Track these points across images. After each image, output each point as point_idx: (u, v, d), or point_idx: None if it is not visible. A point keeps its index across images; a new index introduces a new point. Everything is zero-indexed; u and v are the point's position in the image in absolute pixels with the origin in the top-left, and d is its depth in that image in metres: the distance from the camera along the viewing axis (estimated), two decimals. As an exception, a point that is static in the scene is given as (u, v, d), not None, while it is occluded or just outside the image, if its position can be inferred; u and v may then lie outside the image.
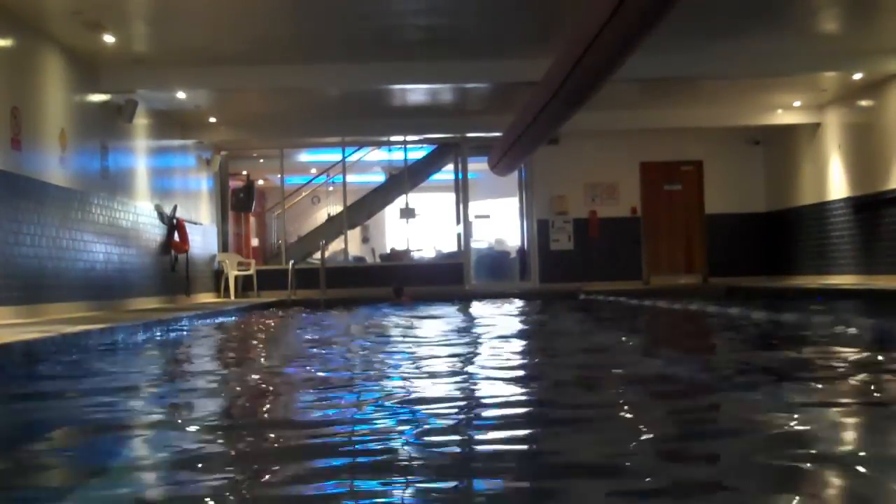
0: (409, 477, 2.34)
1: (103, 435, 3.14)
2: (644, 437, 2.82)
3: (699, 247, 17.52)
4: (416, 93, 14.02)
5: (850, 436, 2.86)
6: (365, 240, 22.78)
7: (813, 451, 2.55)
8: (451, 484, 2.33)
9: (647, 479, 2.29)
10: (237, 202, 18.28)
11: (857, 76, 12.83)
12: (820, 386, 3.82)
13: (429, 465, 2.47)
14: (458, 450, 2.74)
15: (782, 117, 15.58)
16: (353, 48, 11.22)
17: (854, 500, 2.11)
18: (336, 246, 18.42)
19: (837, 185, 14.66)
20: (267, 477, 2.41)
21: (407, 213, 18.07)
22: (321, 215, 21.02)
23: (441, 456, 2.60)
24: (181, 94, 12.97)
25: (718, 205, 17.39)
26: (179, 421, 3.39)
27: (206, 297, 15.77)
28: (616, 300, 12.76)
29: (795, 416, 3.05)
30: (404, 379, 4.33)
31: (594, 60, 8.63)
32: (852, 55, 12.02)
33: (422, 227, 19.16)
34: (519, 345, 6.66)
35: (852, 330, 7.07)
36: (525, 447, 2.82)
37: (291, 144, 18.00)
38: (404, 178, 18.10)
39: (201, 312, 10.20)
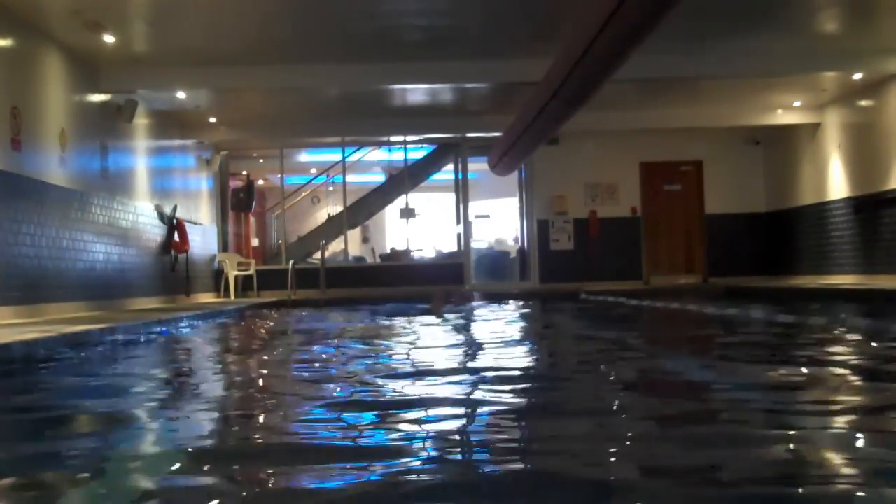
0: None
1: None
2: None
3: (699, 247, 17.52)
4: (416, 93, 14.02)
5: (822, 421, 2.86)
6: (365, 240, 22.78)
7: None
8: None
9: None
10: (237, 202, 18.29)
11: (857, 76, 12.83)
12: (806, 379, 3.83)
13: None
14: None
15: (782, 117, 15.58)
16: (353, 48, 11.22)
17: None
18: (336, 246, 18.42)
19: (837, 185, 14.66)
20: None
21: (407, 213, 18.08)
22: (321, 215, 21.03)
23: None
24: (181, 94, 12.97)
25: (718, 205, 17.39)
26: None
27: (206, 297, 15.77)
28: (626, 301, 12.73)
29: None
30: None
31: (594, 60, 8.63)
32: (852, 55, 12.01)
33: (422, 227, 19.16)
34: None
35: (848, 330, 7.06)
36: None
37: (291, 144, 18.00)
38: (404, 178, 18.10)
39: (201, 313, 10.20)
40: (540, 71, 10.35)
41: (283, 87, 12.70)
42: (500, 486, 2.26)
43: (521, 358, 5.65)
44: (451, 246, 18.99)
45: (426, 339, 6.84)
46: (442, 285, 16.47)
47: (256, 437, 3.07)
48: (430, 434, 2.87)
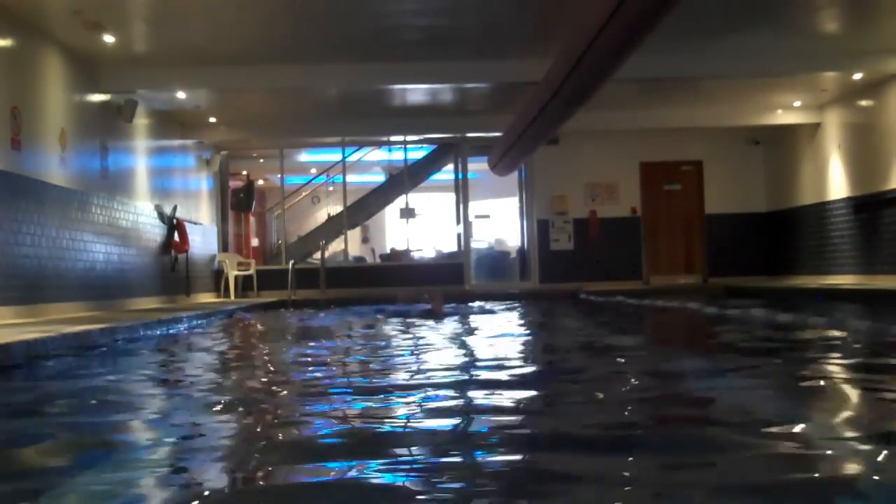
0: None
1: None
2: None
3: (699, 247, 17.52)
4: (416, 93, 14.02)
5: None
6: (365, 240, 22.78)
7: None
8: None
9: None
10: (237, 202, 18.28)
11: (857, 76, 12.82)
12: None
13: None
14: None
15: (782, 117, 15.58)
16: (353, 48, 11.21)
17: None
18: (336, 246, 18.42)
19: (837, 185, 14.65)
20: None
21: (407, 213, 18.07)
22: (321, 215, 21.02)
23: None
24: (181, 94, 12.97)
25: (718, 205, 17.39)
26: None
27: (206, 297, 15.76)
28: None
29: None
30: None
31: (594, 60, 8.63)
32: (852, 55, 12.01)
33: (422, 227, 19.16)
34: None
35: (846, 331, 7.05)
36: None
37: (291, 144, 18.00)
38: (404, 178, 18.10)
39: (201, 312, 10.20)
40: (540, 71, 10.35)
41: (283, 87, 12.69)
42: None
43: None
44: (451, 246, 18.98)
45: (429, 351, 6.25)
46: (442, 286, 16.44)
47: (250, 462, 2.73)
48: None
